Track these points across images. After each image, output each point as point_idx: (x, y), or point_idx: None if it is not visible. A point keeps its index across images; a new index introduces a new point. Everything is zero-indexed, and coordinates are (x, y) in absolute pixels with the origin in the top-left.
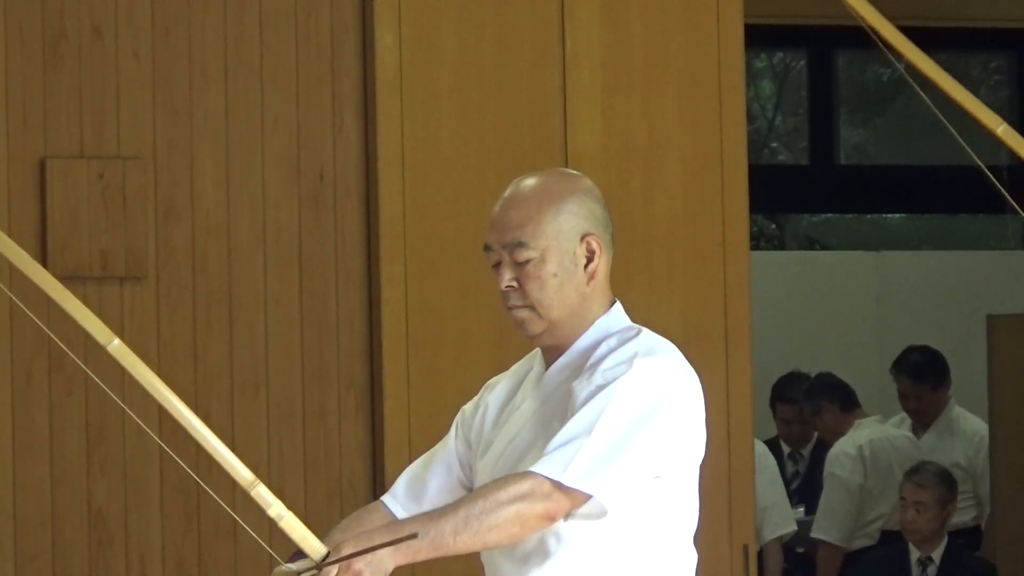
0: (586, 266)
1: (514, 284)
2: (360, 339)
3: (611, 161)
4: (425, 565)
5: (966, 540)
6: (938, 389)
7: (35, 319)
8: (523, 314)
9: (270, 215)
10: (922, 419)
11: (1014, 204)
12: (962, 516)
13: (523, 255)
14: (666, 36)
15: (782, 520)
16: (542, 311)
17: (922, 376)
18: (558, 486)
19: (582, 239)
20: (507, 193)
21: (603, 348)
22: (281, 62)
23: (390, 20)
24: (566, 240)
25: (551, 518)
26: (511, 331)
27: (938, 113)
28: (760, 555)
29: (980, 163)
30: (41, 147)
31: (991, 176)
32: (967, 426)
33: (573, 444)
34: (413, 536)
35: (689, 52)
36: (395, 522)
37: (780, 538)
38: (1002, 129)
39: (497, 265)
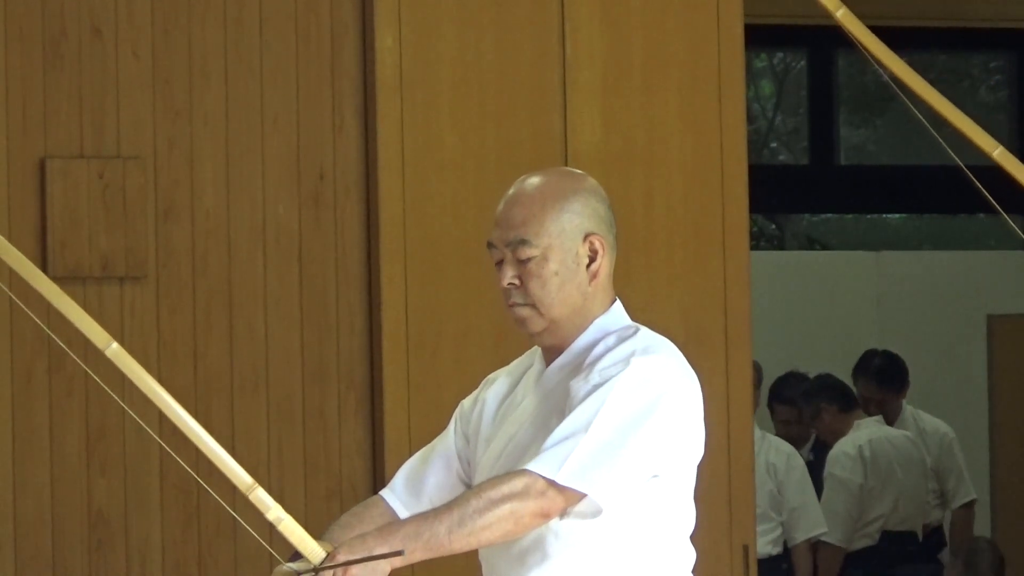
0: (588, 265)
1: (516, 282)
2: (360, 339)
3: (611, 161)
4: (423, 564)
5: (936, 539)
6: (899, 394)
7: (36, 319)
8: (524, 312)
9: (270, 215)
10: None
11: (998, 207)
12: (934, 514)
13: (525, 253)
14: (666, 36)
15: (813, 521)
16: (543, 309)
17: (888, 381)
18: (552, 484)
19: (585, 238)
20: (511, 191)
21: (601, 347)
22: (281, 62)
23: (390, 21)
24: (569, 239)
25: (545, 516)
26: (511, 331)
27: (929, 126)
28: (787, 557)
29: (964, 167)
30: (41, 147)
31: (974, 179)
32: (929, 426)
33: (568, 442)
34: (398, 554)
35: (689, 52)
36: (392, 523)
37: (809, 540)
38: (998, 152)
39: (500, 263)
